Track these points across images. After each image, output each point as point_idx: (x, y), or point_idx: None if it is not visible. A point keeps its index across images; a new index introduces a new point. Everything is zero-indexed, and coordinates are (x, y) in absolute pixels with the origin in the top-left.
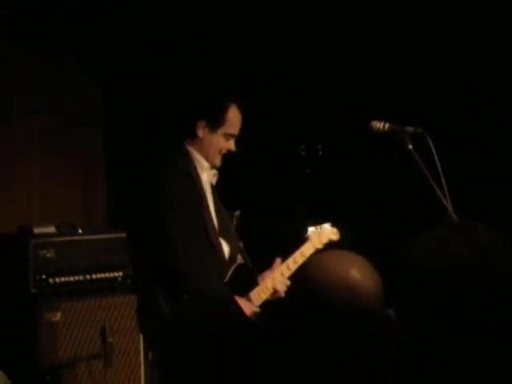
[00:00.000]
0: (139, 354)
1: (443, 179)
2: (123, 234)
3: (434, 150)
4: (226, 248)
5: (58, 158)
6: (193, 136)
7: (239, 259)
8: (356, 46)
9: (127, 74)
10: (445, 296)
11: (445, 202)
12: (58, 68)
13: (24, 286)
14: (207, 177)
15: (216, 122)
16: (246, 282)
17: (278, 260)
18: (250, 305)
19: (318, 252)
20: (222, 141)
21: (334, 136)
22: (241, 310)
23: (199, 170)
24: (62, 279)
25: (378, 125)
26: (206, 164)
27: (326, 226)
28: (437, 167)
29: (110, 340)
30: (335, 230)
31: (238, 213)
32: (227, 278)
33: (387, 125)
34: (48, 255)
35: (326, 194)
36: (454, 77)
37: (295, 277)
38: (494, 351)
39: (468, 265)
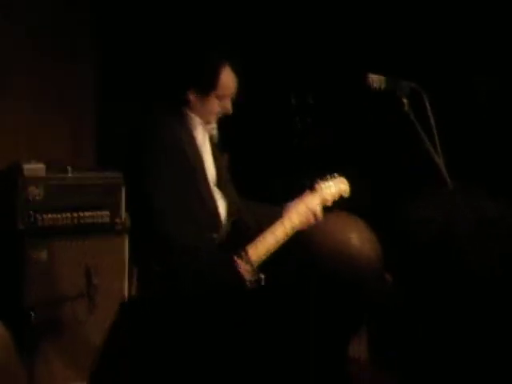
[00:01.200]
0: (123, 296)
1: (436, 137)
2: (113, 175)
3: (428, 106)
4: (222, 203)
5: (46, 93)
6: (185, 101)
7: (235, 214)
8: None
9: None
10: (442, 261)
11: (438, 160)
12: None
13: (11, 222)
14: (202, 132)
15: (205, 89)
16: (242, 236)
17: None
18: (242, 263)
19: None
20: (215, 103)
21: (326, 86)
22: (235, 270)
23: (192, 127)
24: (50, 217)
25: (375, 78)
26: (199, 120)
27: (337, 180)
28: (431, 124)
29: (95, 281)
30: (346, 184)
31: (225, 156)
32: (223, 232)
33: (383, 78)
34: (36, 193)
35: (316, 144)
36: (456, 36)
37: (295, 241)
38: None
39: (469, 231)
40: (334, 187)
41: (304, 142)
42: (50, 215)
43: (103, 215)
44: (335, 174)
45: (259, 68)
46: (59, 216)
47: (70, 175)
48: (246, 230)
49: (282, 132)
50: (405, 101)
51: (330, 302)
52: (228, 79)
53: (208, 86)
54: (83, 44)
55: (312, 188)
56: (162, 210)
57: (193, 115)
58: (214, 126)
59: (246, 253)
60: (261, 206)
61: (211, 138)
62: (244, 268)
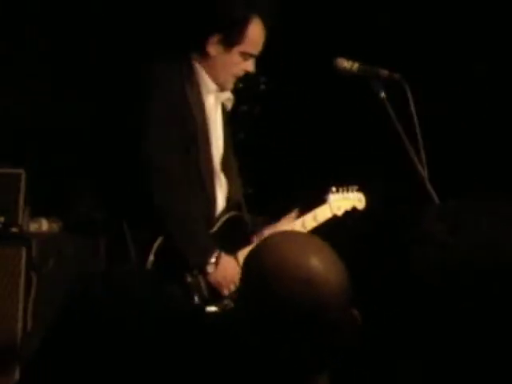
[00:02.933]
0: (16, 322)
1: (420, 138)
2: (9, 169)
3: (412, 102)
4: (223, 189)
5: None
6: (201, 53)
7: (234, 208)
8: None
9: None
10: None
11: (419, 166)
12: None
13: None
14: (215, 100)
15: (232, 38)
16: (237, 237)
17: (288, 217)
18: (235, 266)
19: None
20: (239, 60)
21: (283, 69)
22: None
23: (204, 92)
24: None
25: (346, 63)
26: (213, 86)
27: (352, 191)
28: (414, 124)
29: None
30: (361, 196)
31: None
32: (215, 227)
33: (356, 65)
34: None
35: (270, 139)
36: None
37: (246, 263)
38: None
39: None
40: (347, 199)
41: (251, 137)
42: None
43: None
44: (354, 187)
45: None
46: None
47: None
48: (242, 231)
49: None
50: (381, 90)
51: (285, 336)
52: (257, 33)
53: (234, 35)
54: None
55: (323, 199)
56: (151, 173)
57: (205, 76)
58: (229, 96)
59: (236, 258)
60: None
61: (223, 107)
62: (232, 267)
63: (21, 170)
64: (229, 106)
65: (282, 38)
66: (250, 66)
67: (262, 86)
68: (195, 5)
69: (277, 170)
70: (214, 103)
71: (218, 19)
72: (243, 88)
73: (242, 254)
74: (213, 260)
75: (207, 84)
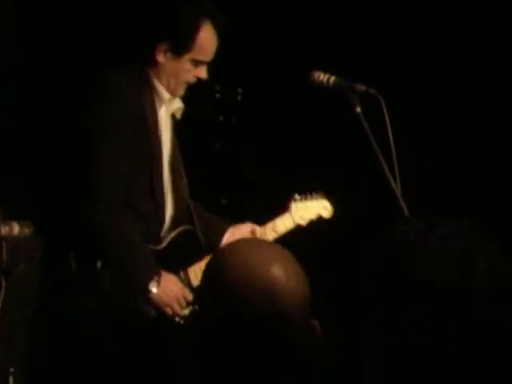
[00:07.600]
0: None
1: (395, 155)
2: None
3: (387, 117)
4: (170, 204)
5: None
6: (151, 61)
7: (184, 223)
8: None
9: None
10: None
11: (393, 183)
12: None
13: None
14: (167, 110)
15: (181, 46)
16: (189, 252)
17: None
18: (178, 283)
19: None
20: (189, 67)
21: (260, 79)
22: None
23: (157, 103)
24: None
25: (322, 77)
26: (166, 95)
27: (317, 198)
28: (389, 140)
29: None
30: (327, 203)
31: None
32: (165, 243)
33: (333, 78)
34: None
35: (241, 150)
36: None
37: (207, 269)
38: None
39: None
40: (311, 208)
41: (228, 146)
42: None
43: None
44: (318, 194)
45: None
46: None
47: None
48: (193, 245)
49: (201, 133)
50: (357, 105)
51: (243, 345)
52: (209, 39)
53: (183, 43)
54: None
55: (286, 207)
56: (96, 194)
57: (159, 85)
58: (180, 105)
59: (187, 274)
60: (210, 218)
61: (173, 116)
62: (175, 287)
63: None
64: (178, 115)
65: (259, 49)
66: (202, 72)
67: (239, 97)
68: (142, 13)
69: (253, 179)
70: (165, 114)
71: (165, 27)
72: (221, 99)
73: (193, 270)
74: (155, 279)
75: (161, 93)
